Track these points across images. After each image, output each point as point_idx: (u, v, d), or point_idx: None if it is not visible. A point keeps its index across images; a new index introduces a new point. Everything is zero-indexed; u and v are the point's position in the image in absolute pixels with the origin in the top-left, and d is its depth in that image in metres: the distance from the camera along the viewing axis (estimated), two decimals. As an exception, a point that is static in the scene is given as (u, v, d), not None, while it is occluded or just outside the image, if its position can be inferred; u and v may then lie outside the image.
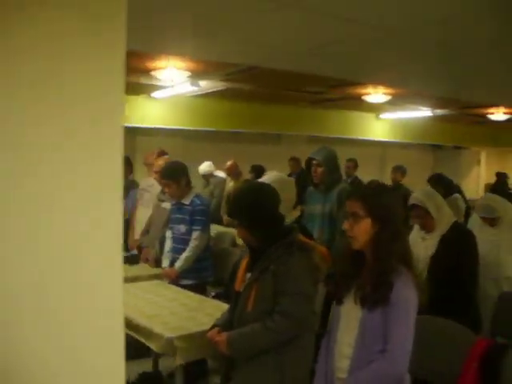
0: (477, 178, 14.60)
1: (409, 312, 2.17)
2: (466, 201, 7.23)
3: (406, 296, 2.17)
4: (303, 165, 9.32)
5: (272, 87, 8.01)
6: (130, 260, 5.34)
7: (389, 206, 2.24)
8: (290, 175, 9.59)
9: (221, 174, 9.02)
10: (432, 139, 13.04)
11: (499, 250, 4.40)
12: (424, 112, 10.26)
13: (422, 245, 3.72)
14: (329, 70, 6.17)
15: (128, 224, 5.94)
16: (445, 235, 3.65)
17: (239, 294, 2.74)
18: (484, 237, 4.49)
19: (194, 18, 3.98)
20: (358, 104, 9.38)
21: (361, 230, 2.24)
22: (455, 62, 5.35)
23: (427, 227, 3.71)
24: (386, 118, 11.42)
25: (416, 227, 3.89)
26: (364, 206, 2.23)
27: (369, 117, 11.42)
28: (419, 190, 4.03)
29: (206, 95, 8.76)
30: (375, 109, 10.49)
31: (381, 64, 5.64)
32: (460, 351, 3.01)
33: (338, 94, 8.42)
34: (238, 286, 2.78)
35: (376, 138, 11.89)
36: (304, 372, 2.60)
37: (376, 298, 2.17)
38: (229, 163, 8.79)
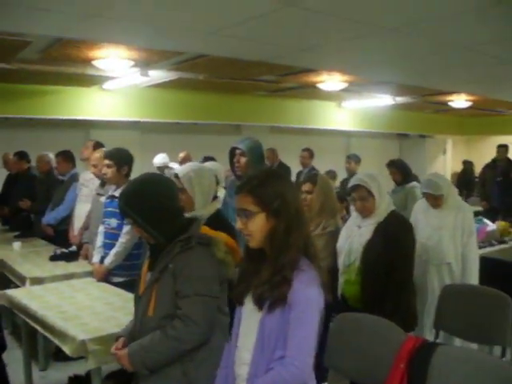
0: (443, 167, 14.54)
1: (310, 313, 1.94)
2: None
3: (307, 295, 1.94)
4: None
5: (223, 76, 7.84)
6: (68, 256, 5.18)
7: (281, 194, 1.99)
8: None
9: (176, 165, 8.82)
10: (396, 128, 12.96)
11: (441, 234, 4.30)
12: (386, 100, 10.15)
13: (358, 232, 3.55)
14: (281, 59, 6.00)
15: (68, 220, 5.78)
16: (381, 223, 3.47)
17: (140, 299, 2.48)
18: (427, 220, 4.43)
19: (130, 3, 3.80)
20: (319, 93, 9.23)
21: (255, 227, 2.01)
22: (415, 49, 5.22)
23: (366, 211, 3.51)
24: (347, 106, 11.27)
25: (353, 215, 3.71)
26: (254, 200, 2.00)
27: (330, 105, 11.26)
28: (362, 172, 3.88)
29: (161, 86, 8.57)
30: (336, 97, 10.35)
31: (334, 51, 5.49)
32: (389, 350, 2.84)
33: (293, 82, 8.26)
34: (141, 288, 2.51)
35: (339, 128, 11.73)
36: (213, 377, 2.31)
37: (273, 297, 1.96)
38: (182, 154, 8.61)
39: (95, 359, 3.04)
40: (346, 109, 11.51)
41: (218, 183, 3.46)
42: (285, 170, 8.89)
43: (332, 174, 8.23)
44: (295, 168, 8.71)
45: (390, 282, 3.33)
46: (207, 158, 8.57)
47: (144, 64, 6.59)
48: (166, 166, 8.64)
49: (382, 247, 3.38)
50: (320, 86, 7.99)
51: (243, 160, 4.12)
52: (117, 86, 8.20)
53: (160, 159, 8.75)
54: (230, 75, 7.73)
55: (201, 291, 2.31)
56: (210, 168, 3.69)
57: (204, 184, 3.26)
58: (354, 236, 3.57)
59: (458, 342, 3.96)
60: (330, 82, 7.78)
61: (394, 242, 3.37)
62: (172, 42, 4.93)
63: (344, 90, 8.71)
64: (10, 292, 4.11)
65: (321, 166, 8.89)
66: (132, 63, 6.21)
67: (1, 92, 7.91)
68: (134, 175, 4.74)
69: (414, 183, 6.23)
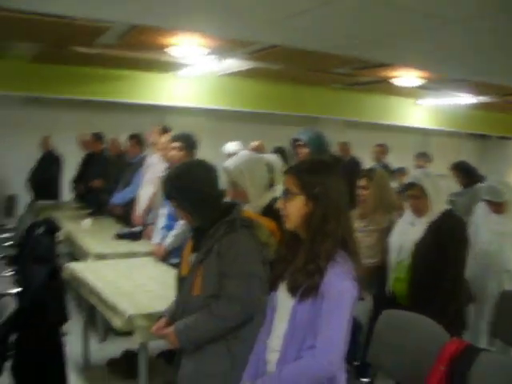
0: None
1: (342, 306, 1.94)
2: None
3: (340, 288, 1.94)
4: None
5: (297, 67, 7.82)
6: (132, 236, 5.36)
7: (325, 183, 2.00)
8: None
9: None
10: (476, 128, 12.45)
11: (503, 240, 4.14)
12: (465, 99, 9.82)
13: (411, 230, 3.49)
14: (354, 51, 5.94)
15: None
16: (434, 221, 3.39)
17: (184, 279, 2.56)
18: (488, 225, 4.27)
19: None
20: (395, 89, 9.08)
21: (293, 208, 2.03)
22: (491, 43, 5.02)
23: (419, 210, 3.45)
24: (424, 104, 10.98)
25: (407, 212, 3.62)
26: (297, 182, 2.03)
27: (407, 102, 11.01)
28: (420, 170, 3.83)
29: (237, 75, 8.67)
30: (413, 94, 10.12)
31: (405, 44, 5.37)
32: (430, 351, 2.78)
33: (368, 76, 8.14)
34: (184, 269, 2.60)
35: (415, 125, 11.46)
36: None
37: (305, 286, 1.96)
38: (255, 143, 8.66)
39: (142, 335, 3.14)
40: (423, 106, 11.22)
41: (272, 171, 3.44)
42: (355, 164, 8.81)
43: (402, 172, 8.07)
44: (368, 163, 8.58)
45: (439, 282, 3.26)
46: (278, 149, 8.63)
47: (218, 52, 6.67)
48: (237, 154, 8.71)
49: (433, 246, 3.31)
50: (395, 81, 7.83)
51: (304, 151, 4.10)
52: (193, 74, 8.34)
53: (232, 147, 8.83)
54: (305, 66, 7.72)
55: (245, 271, 2.38)
56: (260, 157, 3.68)
57: (255, 176, 3.24)
58: (407, 233, 3.50)
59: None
60: (406, 77, 7.61)
61: (446, 242, 3.30)
62: (240, 31, 4.96)
63: (421, 88, 8.52)
64: (73, 265, 4.30)
65: (395, 163, 8.73)
66: (206, 51, 6.30)
67: (82, 75, 8.26)
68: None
69: (480, 185, 6.02)
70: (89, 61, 7.67)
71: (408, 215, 3.61)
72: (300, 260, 2.00)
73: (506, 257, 4.12)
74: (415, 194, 3.44)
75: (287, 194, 2.06)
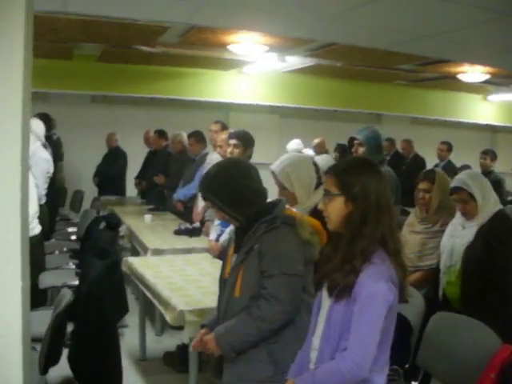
0: None
1: (373, 308, 1.91)
2: None
3: (372, 290, 1.91)
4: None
5: (359, 64, 7.74)
6: (191, 232, 5.46)
7: (363, 182, 1.98)
8: (385, 155, 9.31)
9: (310, 152, 8.87)
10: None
11: None
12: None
13: (461, 233, 3.39)
14: (415, 47, 5.83)
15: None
16: (484, 225, 3.27)
17: (226, 281, 2.51)
18: None
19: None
20: (462, 85, 8.84)
21: (333, 209, 2.03)
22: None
23: (468, 214, 3.34)
24: (494, 100, 10.62)
25: (458, 214, 3.50)
26: (337, 182, 2.02)
27: (474, 98, 10.68)
28: (465, 172, 3.68)
29: (300, 72, 8.69)
30: (481, 90, 9.82)
31: (475, 41, 5.24)
32: (481, 357, 2.70)
33: (432, 71, 7.96)
34: (227, 271, 2.55)
35: (483, 121, 11.11)
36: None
37: (340, 286, 1.96)
38: (317, 140, 8.68)
39: (192, 329, 3.20)
40: (492, 102, 10.84)
41: (319, 171, 3.42)
42: (419, 162, 8.65)
43: (465, 170, 7.85)
44: (432, 160, 8.42)
45: (490, 288, 3.15)
46: (340, 146, 8.59)
47: (278, 50, 6.69)
48: (300, 152, 8.72)
49: (482, 251, 3.21)
50: (461, 76, 7.62)
51: (361, 150, 4.11)
52: (254, 71, 8.40)
53: (294, 145, 8.84)
54: (367, 63, 7.63)
55: (286, 270, 2.30)
56: (306, 157, 3.64)
57: (303, 177, 3.17)
58: (457, 236, 3.42)
59: None
60: (471, 72, 7.40)
61: (496, 246, 3.18)
62: (299, 29, 4.96)
63: (489, 83, 8.26)
64: (131, 260, 4.42)
65: (461, 160, 8.53)
66: (266, 48, 6.33)
67: (146, 73, 8.48)
68: (271, 159, 4.92)
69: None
70: (152, 59, 7.87)
71: (459, 217, 3.50)
72: (338, 260, 2.00)
73: None
74: (462, 198, 3.34)
75: (327, 194, 2.07)
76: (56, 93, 8.57)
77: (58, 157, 6.89)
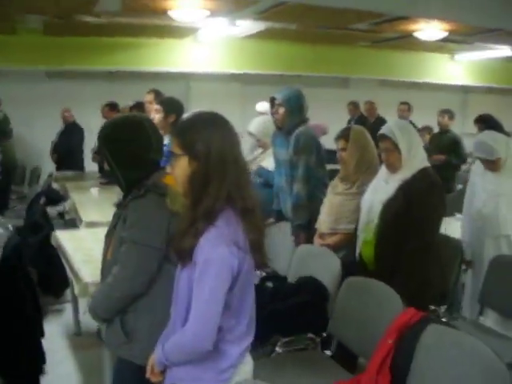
0: None
1: (213, 275, 1.76)
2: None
3: (210, 255, 1.76)
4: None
5: (311, 26, 7.58)
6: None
7: (205, 139, 1.81)
8: (349, 120, 9.17)
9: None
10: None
11: (498, 202, 3.74)
12: (505, 51, 9.27)
13: (383, 189, 3.16)
14: (363, 4, 5.68)
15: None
16: (407, 180, 3.05)
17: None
18: (484, 185, 3.87)
19: None
20: (426, 44, 8.68)
21: (179, 170, 1.87)
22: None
23: (391, 166, 3.13)
24: (462, 59, 10.41)
25: (382, 167, 3.28)
26: (179, 142, 1.86)
27: (442, 58, 10.47)
28: (395, 120, 3.49)
29: (259, 37, 8.46)
30: (445, 49, 9.65)
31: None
32: (385, 323, 2.59)
33: (389, 31, 7.79)
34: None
35: (452, 82, 10.91)
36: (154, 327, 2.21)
37: (180, 252, 1.85)
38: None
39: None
40: (461, 62, 10.61)
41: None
42: (382, 123, 8.51)
43: (428, 130, 7.75)
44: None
45: (405, 248, 2.97)
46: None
47: (222, 14, 6.51)
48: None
49: (401, 207, 2.99)
50: (418, 34, 7.46)
51: (281, 110, 3.98)
52: (208, 38, 8.21)
53: (263, 106, 8.69)
54: (319, 24, 7.45)
55: (138, 239, 2.19)
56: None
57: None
58: (378, 192, 3.19)
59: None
60: (428, 30, 7.24)
61: (415, 202, 2.97)
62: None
63: (450, 41, 8.11)
64: (58, 233, 4.30)
65: (428, 122, 8.38)
66: (208, 13, 6.16)
67: (100, 45, 8.28)
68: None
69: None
70: (103, 31, 7.65)
71: (383, 172, 3.27)
72: (184, 223, 1.85)
73: (502, 220, 3.73)
74: (386, 147, 3.11)
75: (172, 156, 1.90)
76: (8, 69, 8.36)
77: (5, 134, 6.77)
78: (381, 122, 8.48)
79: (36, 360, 3.67)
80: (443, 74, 10.72)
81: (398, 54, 10.06)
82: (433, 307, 3.24)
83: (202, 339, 1.78)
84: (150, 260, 2.22)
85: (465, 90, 11.67)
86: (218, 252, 1.77)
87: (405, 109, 8.02)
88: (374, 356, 2.52)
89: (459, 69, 10.83)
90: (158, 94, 5.39)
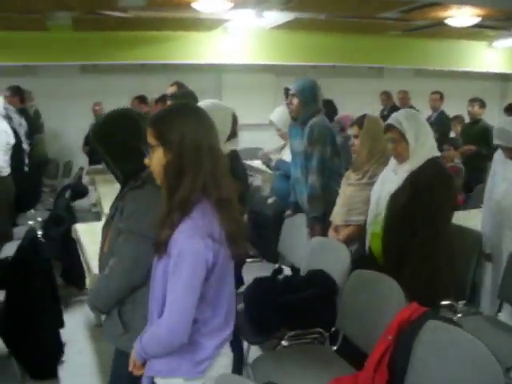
0: None
1: (187, 268, 1.74)
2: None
3: (186, 247, 1.75)
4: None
5: (338, 16, 7.48)
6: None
7: (179, 129, 1.80)
8: (383, 110, 9.01)
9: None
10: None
11: None
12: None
13: (392, 179, 3.08)
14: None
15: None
16: (415, 170, 2.96)
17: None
18: (505, 174, 3.71)
19: None
20: (463, 32, 8.45)
21: (155, 162, 1.86)
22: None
23: (399, 156, 3.05)
24: (501, 46, 10.03)
25: (391, 159, 3.19)
26: (154, 133, 1.85)
27: (479, 46, 10.10)
28: (403, 110, 3.38)
29: (291, 27, 8.34)
30: (482, 36, 9.36)
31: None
32: (388, 318, 2.53)
33: (420, 18, 7.60)
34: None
35: (490, 70, 10.55)
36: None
37: (156, 243, 1.85)
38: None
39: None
40: (499, 49, 10.22)
41: (237, 123, 3.28)
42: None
43: (459, 120, 7.55)
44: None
45: (414, 238, 2.89)
46: (326, 102, 8.33)
47: (245, 5, 6.49)
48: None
49: (408, 198, 2.91)
50: (449, 21, 7.27)
51: (295, 101, 3.94)
52: (237, 30, 8.19)
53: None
54: (345, 13, 7.34)
55: (134, 229, 2.20)
56: (226, 107, 3.49)
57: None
58: (387, 183, 3.12)
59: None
60: (460, 16, 7.05)
61: (423, 190, 2.88)
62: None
63: (485, 27, 7.89)
64: (77, 226, 4.37)
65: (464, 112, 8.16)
66: (231, 5, 6.13)
67: (131, 40, 8.31)
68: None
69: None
70: (128, 25, 7.67)
71: (392, 162, 3.19)
72: (160, 215, 1.85)
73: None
74: (393, 137, 3.02)
75: (149, 147, 1.90)
76: (44, 65, 8.50)
77: (36, 129, 6.89)
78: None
79: (53, 350, 3.76)
80: (480, 61, 10.37)
81: (432, 43, 9.77)
82: (449, 302, 3.16)
83: (176, 331, 1.78)
84: (147, 251, 2.17)
85: (504, 77, 11.33)
86: (191, 244, 1.76)
87: (436, 98, 7.81)
88: (373, 353, 2.47)
89: (497, 56, 10.46)
90: (180, 87, 5.41)
